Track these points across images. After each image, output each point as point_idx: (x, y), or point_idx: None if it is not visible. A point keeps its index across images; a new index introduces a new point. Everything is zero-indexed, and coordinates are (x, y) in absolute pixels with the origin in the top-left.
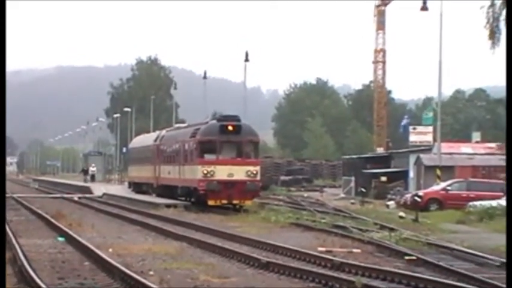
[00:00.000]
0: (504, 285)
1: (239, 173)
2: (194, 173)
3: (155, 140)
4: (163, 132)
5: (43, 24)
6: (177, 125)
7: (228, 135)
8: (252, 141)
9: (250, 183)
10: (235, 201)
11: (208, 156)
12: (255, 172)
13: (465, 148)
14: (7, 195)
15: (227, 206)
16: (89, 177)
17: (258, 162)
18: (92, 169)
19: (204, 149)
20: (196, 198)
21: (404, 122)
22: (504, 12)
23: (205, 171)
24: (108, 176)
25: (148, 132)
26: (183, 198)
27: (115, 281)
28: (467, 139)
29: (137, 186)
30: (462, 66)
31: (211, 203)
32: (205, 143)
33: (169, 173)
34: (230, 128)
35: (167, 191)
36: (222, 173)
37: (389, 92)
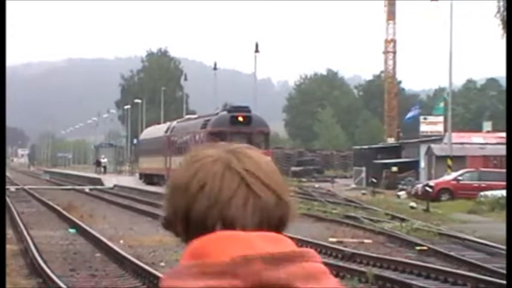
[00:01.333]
0: None
1: None
2: None
3: (166, 131)
4: (174, 123)
5: (54, 17)
6: (188, 116)
7: (238, 126)
8: (262, 132)
9: None
10: None
11: None
12: None
13: (476, 138)
14: (18, 187)
15: None
16: (101, 169)
17: (269, 153)
18: (103, 161)
19: (214, 140)
20: None
21: (411, 113)
22: None
23: None
24: (119, 167)
25: (158, 123)
26: None
27: (126, 272)
28: (478, 129)
29: (148, 178)
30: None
31: None
32: (215, 133)
33: (180, 164)
34: (240, 118)
35: None
36: None
37: (400, 82)
